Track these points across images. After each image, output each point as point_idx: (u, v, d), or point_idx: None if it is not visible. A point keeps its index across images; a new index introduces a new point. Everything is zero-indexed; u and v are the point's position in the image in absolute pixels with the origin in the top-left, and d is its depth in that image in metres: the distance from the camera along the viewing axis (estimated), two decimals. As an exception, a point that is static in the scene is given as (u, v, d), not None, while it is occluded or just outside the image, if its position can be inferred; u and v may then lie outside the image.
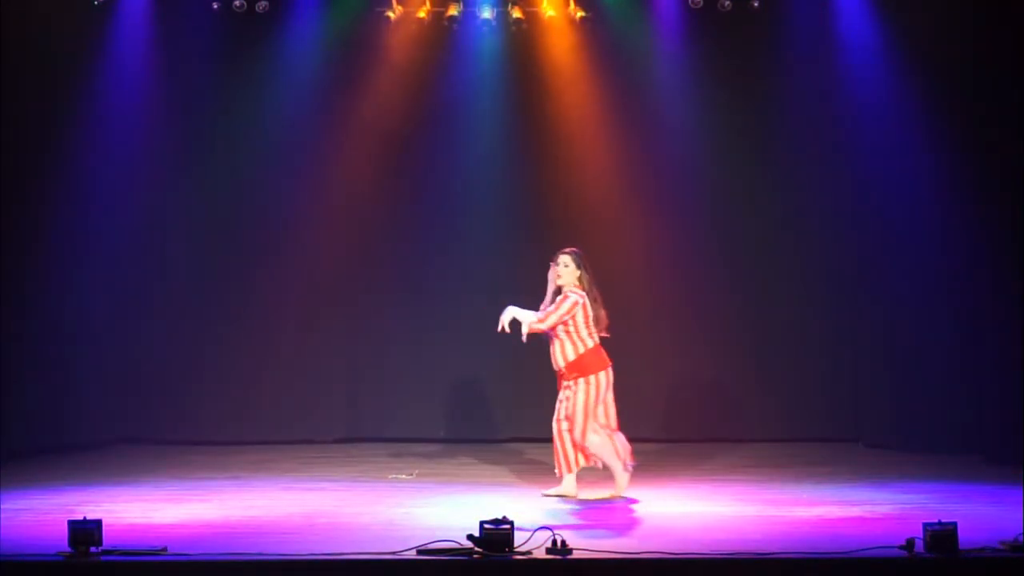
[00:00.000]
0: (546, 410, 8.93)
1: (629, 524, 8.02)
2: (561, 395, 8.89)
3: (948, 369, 10.74)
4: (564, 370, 8.85)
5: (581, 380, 8.80)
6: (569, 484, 8.90)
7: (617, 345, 9.32)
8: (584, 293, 8.83)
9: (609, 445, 8.87)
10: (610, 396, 8.90)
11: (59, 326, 11.08)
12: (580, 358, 8.80)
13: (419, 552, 6.92)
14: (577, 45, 11.46)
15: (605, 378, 8.83)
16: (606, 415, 8.91)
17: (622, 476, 8.92)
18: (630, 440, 8.94)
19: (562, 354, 8.84)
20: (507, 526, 6.88)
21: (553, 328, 8.78)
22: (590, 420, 8.82)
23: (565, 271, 8.86)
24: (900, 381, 11.00)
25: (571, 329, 8.79)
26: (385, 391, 11.63)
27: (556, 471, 8.94)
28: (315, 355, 11.60)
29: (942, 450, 10.56)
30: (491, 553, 6.82)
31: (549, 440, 9.03)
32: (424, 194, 11.62)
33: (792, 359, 11.50)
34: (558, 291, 8.88)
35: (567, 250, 8.91)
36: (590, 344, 8.83)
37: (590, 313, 8.81)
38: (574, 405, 8.80)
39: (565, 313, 8.76)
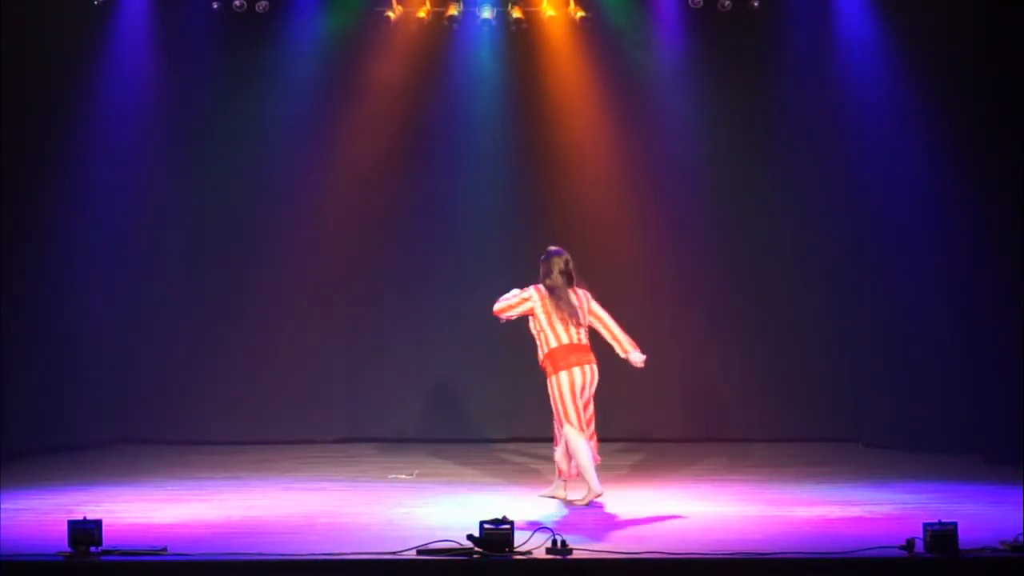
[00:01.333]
0: (546, 410, 8.91)
1: (629, 524, 8.02)
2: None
3: (948, 369, 10.73)
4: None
5: (550, 378, 8.74)
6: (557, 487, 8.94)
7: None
8: (541, 288, 8.75)
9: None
10: (574, 399, 8.67)
11: (59, 326, 11.07)
12: (546, 356, 8.75)
13: (419, 552, 6.92)
14: (577, 45, 11.46)
15: (567, 379, 8.62)
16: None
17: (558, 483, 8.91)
18: (629, 440, 8.92)
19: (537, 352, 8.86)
20: (507, 526, 6.89)
21: (498, 314, 8.81)
22: (567, 418, 8.69)
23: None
24: (900, 381, 11.00)
25: (536, 327, 8.77)
26: (385, 391, 11.63)
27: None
28: (315, 355, 11.59)
29: (942, 450, 10.56)
30: (491, 553, 6.83)
31: (548, 440, 9.04)
32: (424, 194, 11.61)
33: (792, 359, 11.49)
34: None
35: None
36: (559, 342, 8.70)
37: (551, 311, 8.72)
38: (552, 405, 8.81)
39: (506, 303, 8.78)
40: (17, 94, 10.60)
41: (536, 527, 7.15)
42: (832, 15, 11.23)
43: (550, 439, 8.98)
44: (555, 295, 8.74)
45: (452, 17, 11.22)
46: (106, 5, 11.11)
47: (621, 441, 11.19)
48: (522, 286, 8.92)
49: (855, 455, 10.88)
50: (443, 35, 11.38)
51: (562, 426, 8.69)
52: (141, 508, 8.55)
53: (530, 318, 8.77)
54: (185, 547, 7.11)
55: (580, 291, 8.82)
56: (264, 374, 11.54)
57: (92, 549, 6.91)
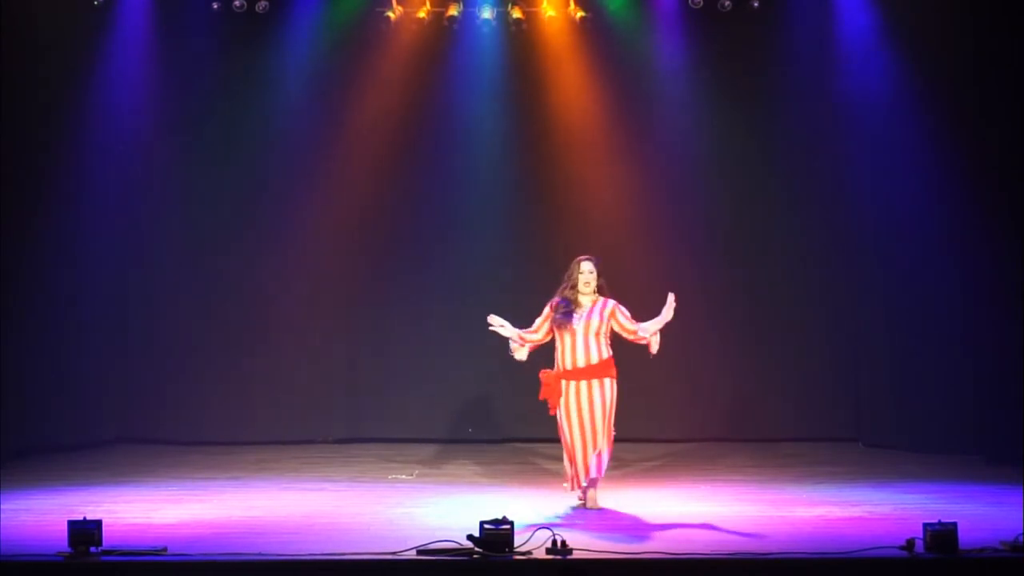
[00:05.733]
0: (545, 411, 8.88)
1: (629, 524, 8.02)
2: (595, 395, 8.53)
3: (948, 369, 10.73)
4: (599, 367, 8.54)
5: (614, 383, 8.61)
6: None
7: (618, 346, 9.27)
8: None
9: None
10: None
11: (59, 326, 11.07)
12: (611, 359, 8.61)
13: (419, 552, 6.92)
14: (577, 45, 11.46)
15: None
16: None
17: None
18: (630, 441, 8.95)
19: (605, 350, 8.59)
20: (507, 526, 6.89)
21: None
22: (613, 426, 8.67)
23: (592, 278, 8.64)
24: (900, 381, 11.00)
25: (608, 331, 8.62)
26: (385, 391, 11.63)
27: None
28: (315, 355, 11.60)
29: (942, 450, 10.56)
30: (491, 553, 6.83)
31: (548, 440, 9.03)
32: (424, 194, 11.62)
33: (792, 359, 11.49)
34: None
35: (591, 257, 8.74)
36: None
37: None
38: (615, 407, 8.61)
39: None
40: (17, 94, 10.60)
41: (536, 527, 7.16)
42: (832, 14, 11.23)
43: (549, 439, 8.97)
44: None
45: (452, 17, 11.22)
46: (106, 5, 11.11)
47: (621, 442, 11.15)
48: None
49: (855, 455, 10.88)
50: (443, 35, 11.38)
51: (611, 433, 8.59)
52: (141, 508, 8.54)
53: (609, 321, 8.60)
54: (185, 547, 7.12)
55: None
56: (264, 374, 11.54)
57: (92, 549, 6.92)
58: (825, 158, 11.42)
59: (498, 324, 8.54)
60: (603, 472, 8.52)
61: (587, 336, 8.50)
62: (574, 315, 8.52)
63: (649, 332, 8.53)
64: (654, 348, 8.58)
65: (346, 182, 11.55)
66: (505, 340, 8.64)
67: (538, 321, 8.63)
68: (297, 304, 11.60)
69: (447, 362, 11.56)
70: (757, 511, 8.36)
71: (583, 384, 8.47)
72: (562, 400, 8.49)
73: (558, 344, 8.58)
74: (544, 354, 8.76)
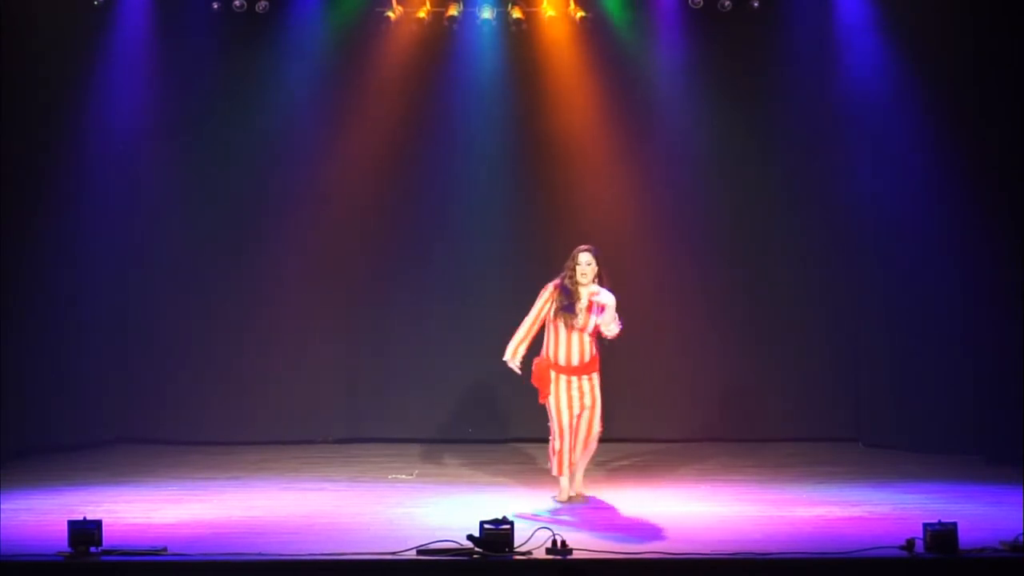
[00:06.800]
0: (545, 410, 8.90)
1: (629, 524, 8.03)
2: (585, 390, 8.80)
3: (948, 369, 10.73)
4: (590, 364, 8.81)
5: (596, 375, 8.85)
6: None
7: (619, 346, 9.36)
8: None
9: None
10: None
11: (59, 326, 11.07)
12: (597, 355, 8.87)
13: (419, 552, 6.93)
14: (577, 45, 11.46)
15: None
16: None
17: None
18: (630, 441, 8.98)
19: (592, 348, 8.84)
20: (507, 526, 6.90)
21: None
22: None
23: (590, 269, 8.80)
24: (900, 381, 11.00)
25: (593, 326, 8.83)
26: (385, 391, 11.63)
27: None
28: (315, 355, 11.59)
29: (942, 450, 10.56)
30: (491, 553, 6.83)
31: (548, 440, 9.03)
32: (424, 195, 11.61)
33: (792, 359, 11.49)
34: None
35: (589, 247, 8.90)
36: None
37: None
38: (598, 400, 8.82)
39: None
40: (17, 94, 10.59)
41: (536, 527, 7.16)
42: (832, 14, 11.23)
43: (548, 439, 8.99)
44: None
45: (452, 17, 11.21)
46: (106, 5, 11.10)
47: (621, 441, 11.19)
48: (525, 288, 9.00)
49: (855, 455, 10.88)
50: (443, 35, 11.37)
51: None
52: (141, 508, 8.55)
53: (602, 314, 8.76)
54: (185, 547, 7.13)
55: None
56: (264, 374, 11.53)
57: (92, 549, 6.93)
58: (825, 158, 11.41)
59: (515, 367, 8.79)
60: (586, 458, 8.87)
61: (582, 335, 8.72)
62: (576, 311, 8.68)
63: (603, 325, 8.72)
64: (608, 333, 8.77)
65: (346, 182, 11.54)
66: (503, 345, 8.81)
67: (533, 313, 8.80)
68: (297, 304, 11.59)
69: (447, 362, 11.56)
70: (757, 511, 8.37)
71: (573, 379, 8.74)
72: (553, 388, 8.74)
73: (551, 336, 8.78)
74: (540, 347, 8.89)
